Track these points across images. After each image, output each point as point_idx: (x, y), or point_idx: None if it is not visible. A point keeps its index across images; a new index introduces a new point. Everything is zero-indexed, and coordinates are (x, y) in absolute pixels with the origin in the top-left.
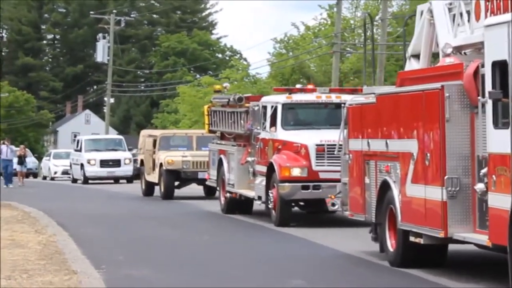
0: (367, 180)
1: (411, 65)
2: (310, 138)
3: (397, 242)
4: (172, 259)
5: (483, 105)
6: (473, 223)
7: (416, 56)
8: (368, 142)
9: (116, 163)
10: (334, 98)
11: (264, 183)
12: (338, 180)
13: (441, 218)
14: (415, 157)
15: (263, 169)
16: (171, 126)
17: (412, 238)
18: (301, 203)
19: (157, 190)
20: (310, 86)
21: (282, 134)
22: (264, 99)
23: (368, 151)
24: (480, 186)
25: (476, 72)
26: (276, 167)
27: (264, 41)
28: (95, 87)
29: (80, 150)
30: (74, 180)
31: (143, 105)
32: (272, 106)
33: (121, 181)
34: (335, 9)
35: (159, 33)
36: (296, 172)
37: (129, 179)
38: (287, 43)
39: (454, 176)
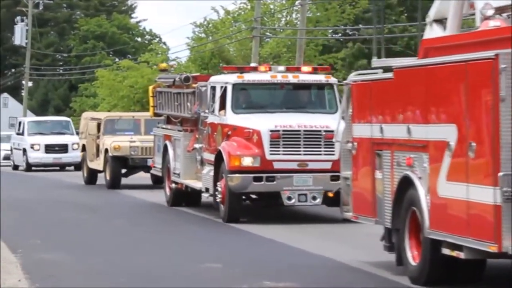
0: (378, 175)
1: (434, 31)
2: (263, 123)
3: (422, 254)
4: (95, 245)
5: None
6: None
7: (440, 21)
8: (381, 128)
9: (63, 148)
10: (291, 78)
11: (212, 173)
12: (295, 171)
13: (493, 227)
14: (453, 147)
15: (211, 157)
16: (89, 110)
17: (446, 251)
18: (253, 196)
19: (102, 178)
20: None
21: (232, 118)
22: (213, 79)
23: (381, 139)
24: None
25: None
26: (224, 156)
27: (184, 25)
28: (13, 70)
29: (22, 134)
30: (15, 167)
31: (61, 89)
32: (221, 87)
33: (68, 168)
34: None
35: (78, 16)
36: (247, 161)
37: (77, 166)
38: (207, 27)
39: (511, 172)
